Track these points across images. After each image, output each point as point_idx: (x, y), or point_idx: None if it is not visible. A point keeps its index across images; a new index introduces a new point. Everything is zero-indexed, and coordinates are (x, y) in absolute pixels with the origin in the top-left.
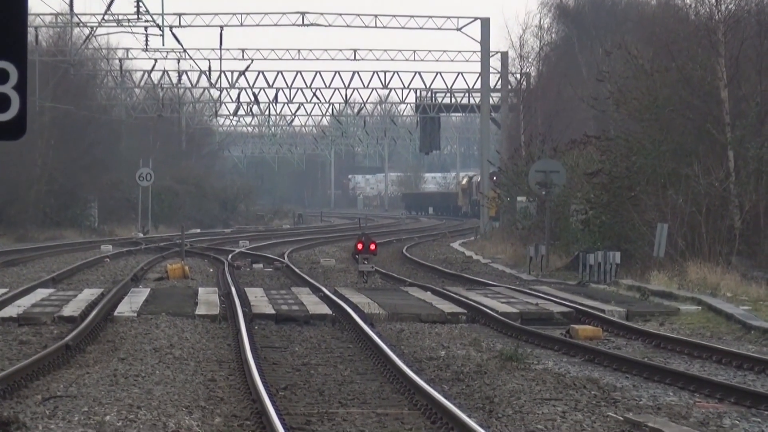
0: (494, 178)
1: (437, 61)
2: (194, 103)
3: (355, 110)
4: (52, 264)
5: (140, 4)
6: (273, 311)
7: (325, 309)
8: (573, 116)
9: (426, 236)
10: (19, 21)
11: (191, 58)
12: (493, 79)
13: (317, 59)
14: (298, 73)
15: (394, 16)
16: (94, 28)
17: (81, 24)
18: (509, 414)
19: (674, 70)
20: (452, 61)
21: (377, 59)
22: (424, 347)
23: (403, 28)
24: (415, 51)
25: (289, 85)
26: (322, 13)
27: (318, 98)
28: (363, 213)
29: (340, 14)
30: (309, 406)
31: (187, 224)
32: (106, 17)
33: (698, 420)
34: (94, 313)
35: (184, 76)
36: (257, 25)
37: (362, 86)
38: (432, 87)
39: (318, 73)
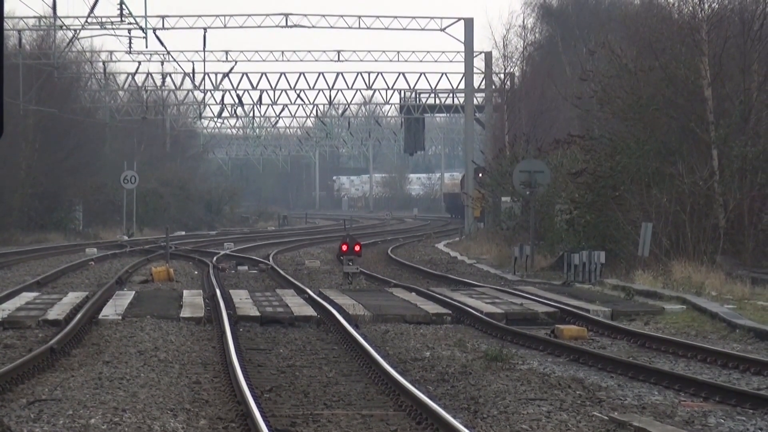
0: (479, 174)
1: (421, 61)
2: (178, 106)
3: (340, 111)
4: (36, 267)
5: (123, 6)
6: (258, 313)
7: (309, 311)
8: (557, 116)
9: (411, 237)
10: None
11: (175, 60)
12: (477, 80)
13: (301, 61)
14: (282, 75)
15: (378, 16)
16: (78, 31)
17: (64, 27)
18: (494, 414)
19: (658, 69)
20: (436, 61)
21: (361, 60)
22: (409, 348)
23: (386, 28)
24: (398, 52)
25: (273, 86)
26: (305, 15)
27: (302, 99)
28: (348, 214)
29: (324, 15)
30: (294, 407)
31: (171, 227)
32: (89, 20)
33: (683, 419)
34: (78, 316)
35: (168, 79)
36: (241, 27)
37: (346, 87)
38: (416, 88)
39: (302, 75)
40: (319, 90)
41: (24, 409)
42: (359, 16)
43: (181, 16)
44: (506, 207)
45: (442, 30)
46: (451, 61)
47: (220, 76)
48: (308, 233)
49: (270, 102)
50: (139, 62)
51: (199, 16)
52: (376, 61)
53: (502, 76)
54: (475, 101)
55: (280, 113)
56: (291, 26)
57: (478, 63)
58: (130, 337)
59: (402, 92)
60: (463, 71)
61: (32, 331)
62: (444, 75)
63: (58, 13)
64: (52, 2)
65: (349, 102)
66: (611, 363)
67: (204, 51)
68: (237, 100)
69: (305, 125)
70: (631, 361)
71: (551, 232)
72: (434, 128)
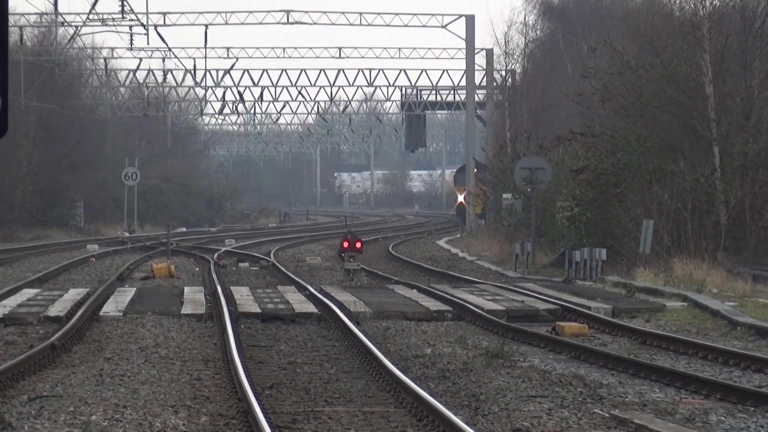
0: (475, 170)
1: (422, 58)
2: (179, 102)
3: (341, 108)
4: (38, 264)
5: (125, 3)
6: (259, 310)
7: (311, 307)
8: (558, 113)
9: (412, 234)
10: None
11: (176, 56)
12: (479, 76)
13: (302, 57)
14: (283, 72)
15: (379, 13)
16: (79, 28)
17: (66, 23)
18: (495, 411)
19: (659, 67)
20: (437, 58)
21: (362, 57)
22: (410, 345)
23: (388, 25)
24: (400, 48)
25: (275, 83)
26: (306, 11)
27: (303, 96)
28: (349, 211)
29: (325, 12)
30: (295, 404)
31: (172, 223)
32: (90, 16)
33: (684, 416)
34: (80, 312)
35: (169, 75)
36: (242, 24)
37: (347, 84)
38: (417, 84)
39: (303, 71)
40: (321, 87)
41: (25, 406)
42: (360, 13)
43: (182, 13)
44: (507, 204)
45: (444, 27)
46: (452, 58)
47: (221, 73)
48: (309, 230)
49: (271, 98)
50: (141, 59)
51: (201, 12)
52: (377, 57)
53: (503, 73)
54: (476, 98)
55: (281, 110)
56: (292, 23)
57: (480, 60)
58: (131, 333)
59: (403, 89)
60: (465, 68)
61: (33, 327)
62: (445, 72)
63: (60, 10)
64: None
65: (350, 99)
66: (612, 360)
67: (205, 47)
68: (238, 97)
69: (306, 122)
70: (632, 358)
71: (552, 229)
72: (435, 125)
